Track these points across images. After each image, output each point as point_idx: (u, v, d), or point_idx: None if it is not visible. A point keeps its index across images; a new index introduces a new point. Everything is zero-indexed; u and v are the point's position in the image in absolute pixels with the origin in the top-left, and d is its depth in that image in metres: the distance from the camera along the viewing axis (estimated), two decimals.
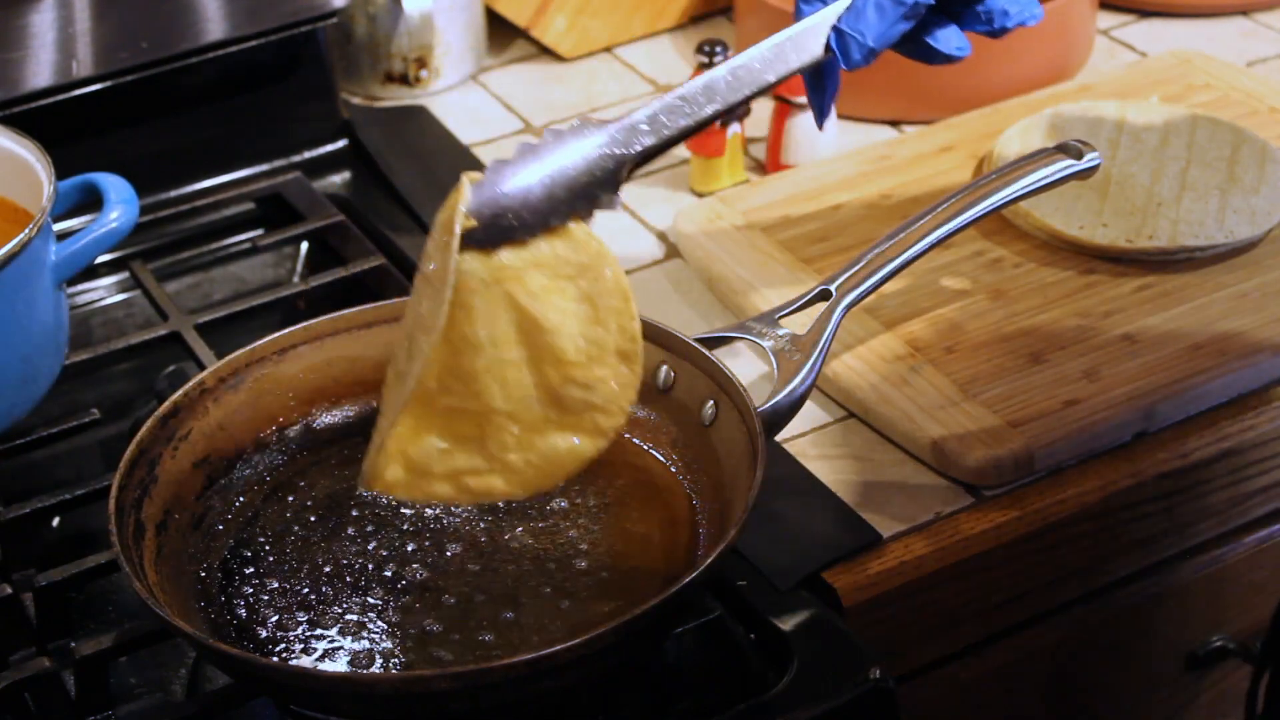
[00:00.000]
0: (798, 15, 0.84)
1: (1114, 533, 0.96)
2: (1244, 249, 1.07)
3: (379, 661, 0.79)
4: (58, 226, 0.98)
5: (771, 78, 0.83)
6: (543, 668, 0.72)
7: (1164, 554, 1.01)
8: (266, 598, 0.82)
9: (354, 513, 0.87)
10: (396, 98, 1.33)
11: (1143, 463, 0.95)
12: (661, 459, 0.89)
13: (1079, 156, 0.95)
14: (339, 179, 1.24)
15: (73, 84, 1.12)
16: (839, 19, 0.83)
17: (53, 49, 1.10)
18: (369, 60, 1.32)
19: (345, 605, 0.82)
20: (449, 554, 0.84)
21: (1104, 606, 1.01)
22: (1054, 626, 0.99)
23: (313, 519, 0.87)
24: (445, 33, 1.32)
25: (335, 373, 0.92)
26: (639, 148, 0.81)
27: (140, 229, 1.04)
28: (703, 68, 1.15)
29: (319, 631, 0.80)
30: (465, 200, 0.78)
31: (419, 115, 1.30)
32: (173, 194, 1.19)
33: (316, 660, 0.79)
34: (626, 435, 0.90)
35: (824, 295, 0.92)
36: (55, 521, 0.96)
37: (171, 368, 1.06)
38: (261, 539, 0.86)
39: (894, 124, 1.26)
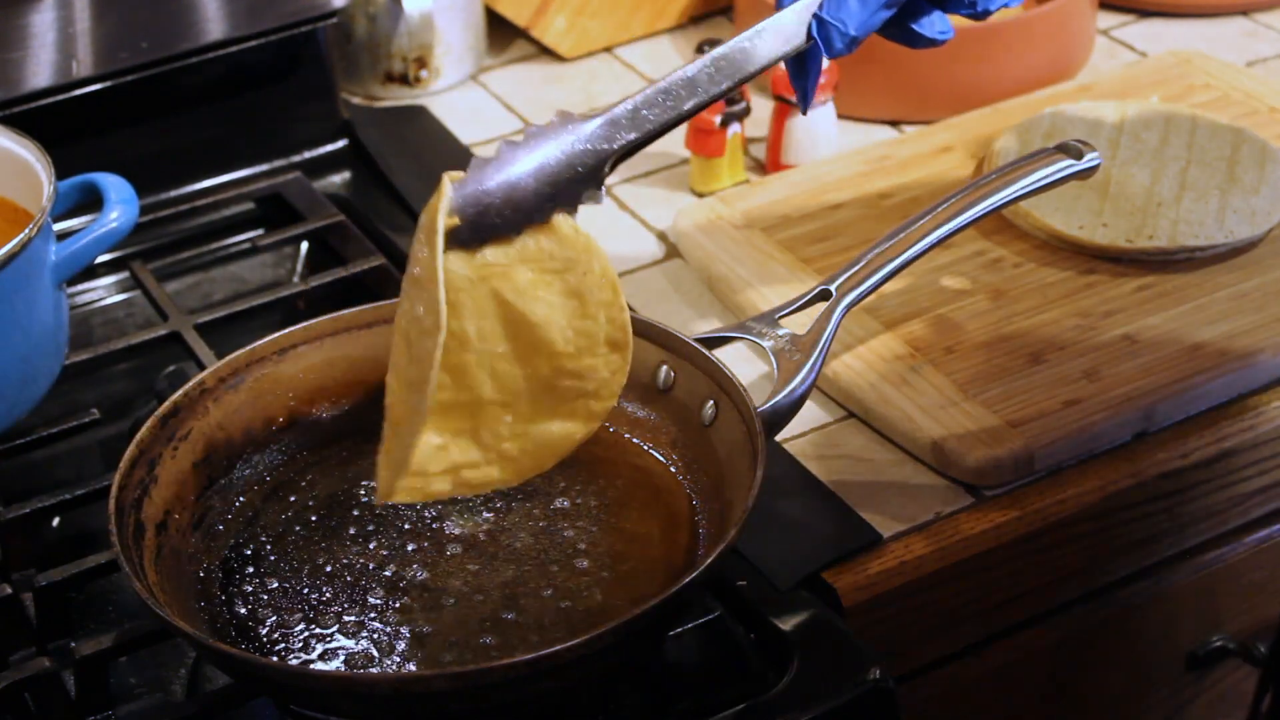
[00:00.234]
0: (779, 4, 0.84)
1: (1114, 533, 0.96)
2: (1244, 249, 1.07)
3: (379, 661, 0.78)
4: (58, 226, 0.98)
5: (753, 68, 0.82)
6: (543, 668, 0.72)
7: (1164, 554, 1.01)
8: (266, 597, 0.82)
9: (354, 513, 0.87)
10: (396, 98, 1.33)
11: (1143, 463, 0.95)
12: (661, 459, 0.89)
13: (1079, 156, 0.95)
14: (339, 179, 1.24)
15: (73, 84, 1.12)
16: (820, 7, 0.82)
17: (53, 49, 1.10)
18: (369, 60, 1.32)
19: (345, 605, 0.82)
20: (449, 554, 0.84)
21: (1104, 606, 1.01)
22: (1054, 626, 0.99)
23: (313, 519, 0.87)
24: (445, 33, 1.32)
25: (335, 373, 0.92)
26: (621, 142, 0.80)
27: (140, 229, 1.04)
28: None
29: (319, 631, 0.80)
30: (447, 200, 0.77)
31: (419, 115, 1.30)
32: (173, 194, 1.19)
33: (316, 660, 0.79)
34: (626, 435, 0.90)
35: (824, 295, 0.92)
36: (55, 521, 0.96)
37: (171, 368, 1.06)
38: (261, 539, 0.86)
39: (894, 124, 1.26)
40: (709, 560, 0.76)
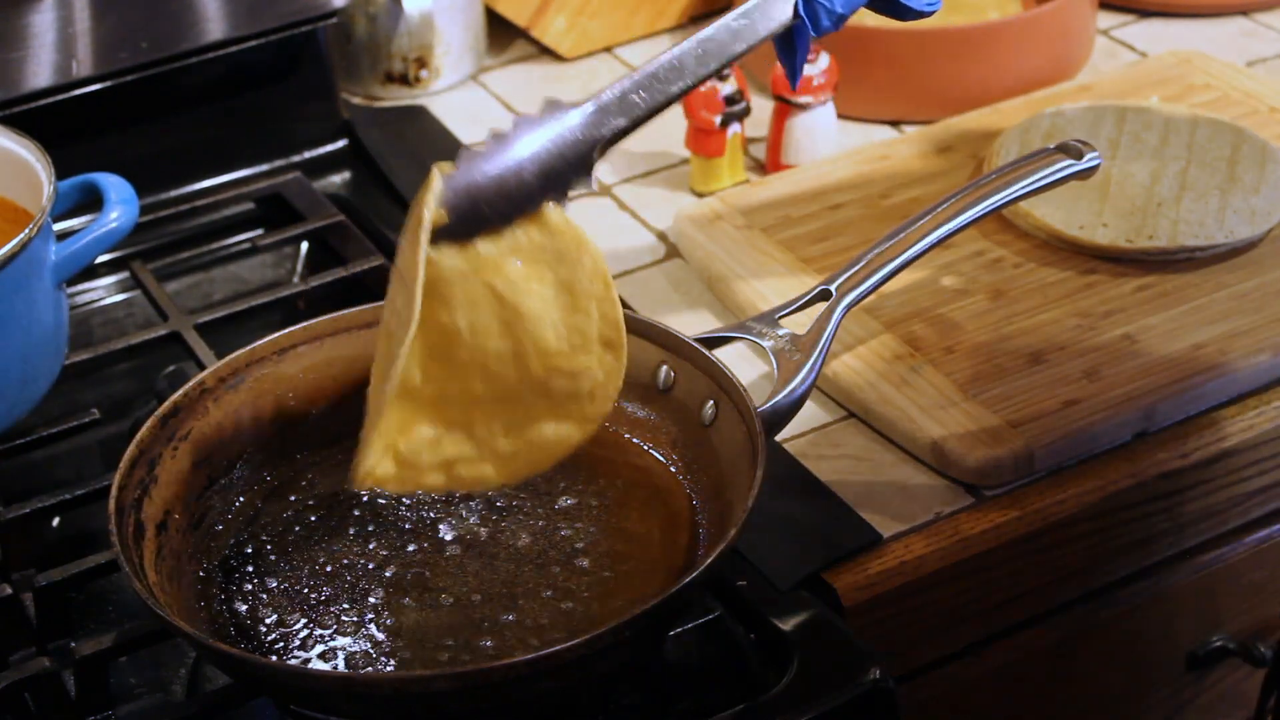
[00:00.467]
0: None
1: (1114, 533, 0.96)
2: (1244, 249, 1.07)
3: (379, 661, 0.78)
4: (58, 226, 0.98)
5: (741, 48, 0.82)
6: (543, 668, 0.72)
7: (1164, 554, 1.01)
8: (266, 598, 0.82)
9: (355, 513, 0.87)
10: (396, 98, 1.33)
11: (1143, 463, 0.95)
12: (661, 459, 0.89)
13: (1079, 156, 0.95)
14: (339, 179, 1.24)
15: (73, 84, 1.12)
16: None
17: (53, 49, 1.10)
18: (369, 60, 1.32)
19: (345, 605, 0.82)
20: (449, 554, 0.84)
21: (1104, 606, 1.01)
22: (1054, 626, 0.99)
23: (313, 519, 0.87)
24: (445, 33, 1.32)
25: (335, 373, 0.92)
26: (610, 129, 0.80)
27: (140, 229, 1.04)
28: None
29: (319, 631, 0.80)
30: (435, 193, 0.77)
31: (419, 115, 1.30)
32: (173, 194, 1.19)
33: (316, 660, 0.79)
34: (626, 435, 0.90)
35: (824, 295, 0.92)
36: (55, 521, 0.96)
37: (171, 368, 1.06)
38: (261, 539, 0.86)
39: (894, 124, 1.26)
40: (709, 560, 0.76)
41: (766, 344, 0.89)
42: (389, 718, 0.76)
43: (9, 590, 0.86)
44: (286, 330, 0.91)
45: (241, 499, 0.88)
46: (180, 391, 0.87)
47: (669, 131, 1.22)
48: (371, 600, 0.82)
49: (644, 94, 0.80)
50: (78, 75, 1.12)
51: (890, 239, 0.93)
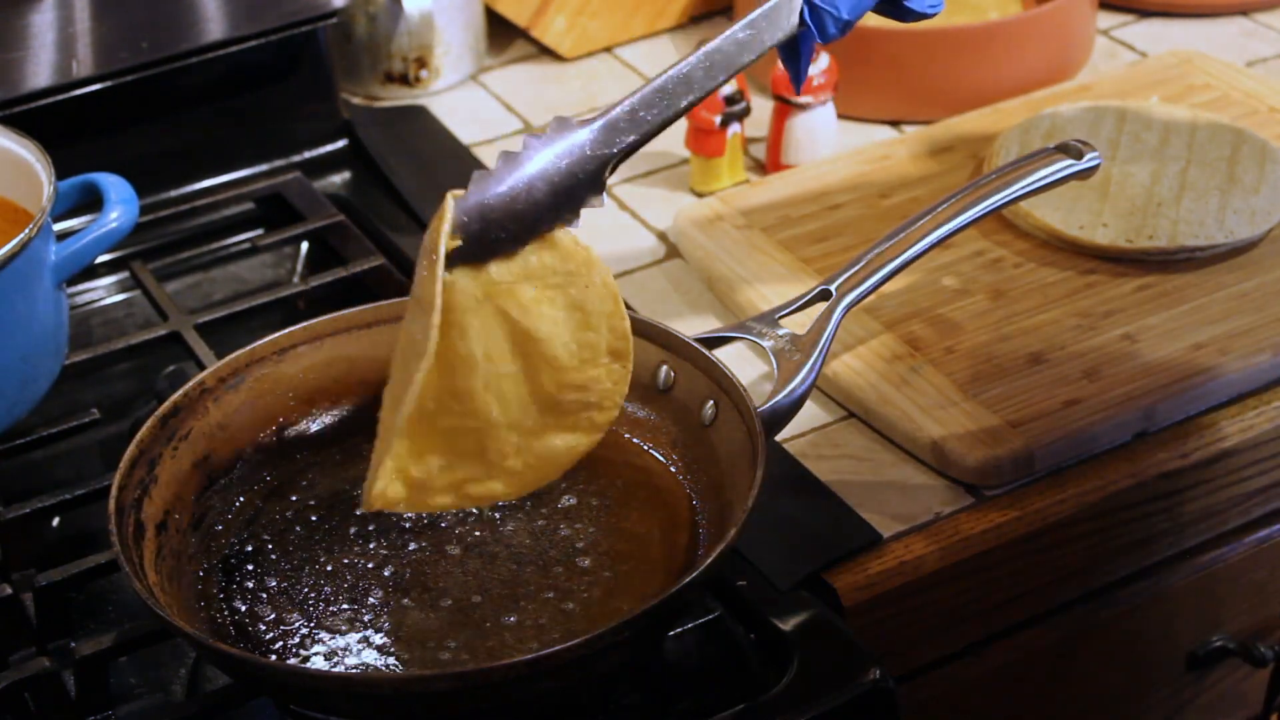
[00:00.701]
0: None
1: (1114, 533, 0.96)
2: (1244, 249, 1.07)
3: (379, 662, 0.78)
4: (58, 226, 0.98)
5: (748, 59, 0.82)
6: (543, 668, 0.72)
7: (1164, 554, 1.01)
8: (266, 598, 0.82)
9: (354, 513, 0.87)
10: (396, 98, 1.33)
11: (1143, 463, 0.95)
12: (661, 459, 0.89)
13: (1079, 156, 0.95)
14: (339, 179, 1.24)
15: (73, 84, 1.12)
16: None
17: (53, 49, 1.10)
18: (369, 60, 1.32)
19: (346, 605, 0.82)
20: (449, 554, 0.84)
21: (1104, 606, 1.01)
22: (1054, 626, 0.99)
23: (313, 519, 0.87)
24: (445, 33, 1.32)
25: (335, 373, 0.92)
26: (620, 146, 0.80)
27: (140, 229, 1.04)
28: None
29: (319, 631, 0.80)
30: (449, 221, 0.77)
31: (419, 115, 1.30)
32: (173, 194, 1.19)
33: (316, 660, 0.79)
34: (626, 435, 0.90)
35: (824, 295, 0.92)
36: (55, 521, 0.96)
37: (171, 368, 1.06)
38: (261, 539, 0.86)
39: (894, 124, 1.26)
40: (709, 560, 0.76)
41: (766, 344, 0.89)
42: (389, 718, 0.76)
43: (9, 590, 0.86)
44: (286, 330, 0.91)
45: (241, 499, 0.88)
46: (180, 391, 0.87)
47: (669, 131, 1.21)
48: (371, 600, 0.82)
49: (653, 109, 0.81)
50: (78, 75, 1.12)
51: (890, 239, 0.93)
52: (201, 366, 0.99)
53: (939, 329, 1.01)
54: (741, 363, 1.00)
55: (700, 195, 1.19)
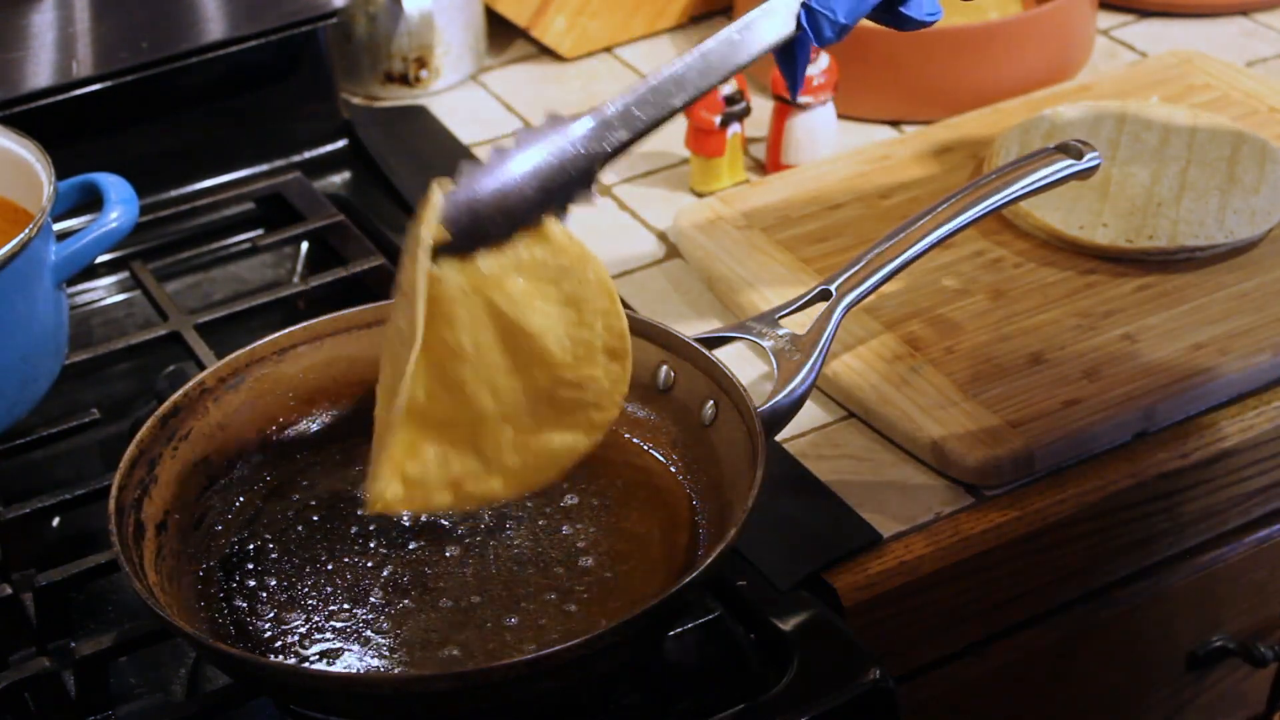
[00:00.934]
0: None
1: (1114, 533, 0.96)
2: (1244, 249, 1.07)
3: (379, 662, 0.78)
4: (58, 226, 0.98)
5: (742, 60, 0.81)
6: (543, 668, 0.72)
7: (1164, 554, 1.01)
8: (266, 597, 0.82)
9: (355, 513, 0.87)
10: (396, 98, 1.33)
11: (1143, 463, 0.95)
12: (661, 459, 0.89)
13: (1079, 156, 0.95)
14: (339, 179, 1.24)
15: (73, 84, 1.12)
16: None
17: (53, 49, 1.10)
18: (369, 60, 1.32)
19: (346, 605, 0.82)
20: (449, 555, 0.84)
21: (1104, 606, 1.01)
22: (1054, 626, 0.99)
23: (313, 519, 0.87)
24: (445, 33, 1.32)
25: (335, 373, 0.92)
26: (612, 144, 0.80)
27: (140, 229, 1.04)
28: None
29: (319, 632, 0.80)
30: (436, 210, 0.77)
31: (419, 115, 1.30)
32: (173, 194, 1.19)
33: (317, 660, 0.79)
34: (626, 435, 0.90)
35: (824, 295, 0.92)
36: (55, 521, 0.96)
37: (171, 368, 1.06)
38: (261, 539, 0.86)
39: (894, 124, 1.26)
40: (709, 560, 0.76)
41: (766, 344, 0.89)
42: (389, 718, 0.76)
43: (9, 590, 0.86)
44: (286, 330, 0.91)
45: (241, 499, 0.88)
46: (180, 391, 0.87)
47: (669, 131, 1.21)
48: (372, 600, 0.82)
49: (646, 107, 0.80)
50: (78, 75, 1.11)
51: (890, 239, 0.93)
52: (201, 366, 0.99)
53: (939, 329, 1.01)
54: (741, 363, 1.00)
55: (700, 195, 1.19)
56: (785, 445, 0.96)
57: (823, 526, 0.90)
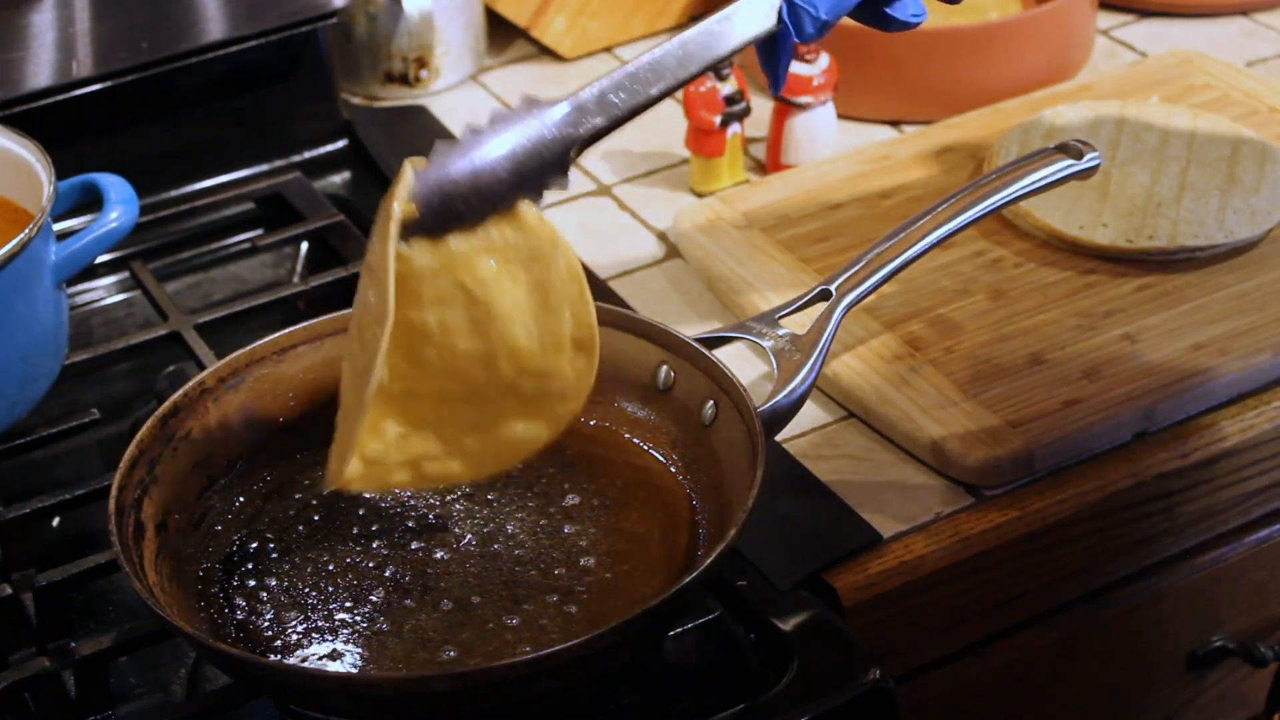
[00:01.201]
0: None
1: (1114, 533, 0.96)
2: (1244, 249, 1.07)
3: (379, 662, 0.78)
4: (58, 226, 0.98)
5: (722, 51, 0.81)
6: (543, 668, 0.72)
7: (1164, 554, 1.01)
8: (267, 597, 0.82)
9: (356, 513, 0.87)
10: (396, 98, 1.33)
11: (1143, 463, 0.95)
12: (661, 459, 0.89)
13: (1079, 156, 0.95)
14: (339, 179, 1.24)
15: (73, 84, 1.12)
16: None
17: (53, 49, 1.10)
18: (369, 60, 1.32)
19: (346, 605, 0.82)
20: (449, 555, 0.84)
21: (1104, 606, 1.01)
22: (1054, 626, 0.99)
23: (314, 518, 0.87)
24: (445, 33, 1.32)
25: (335, 373, 0.91)
26: (587, 129, 0.79)
27: (140, 229, 1.04)
28: None
29: (319, 632, 0.80)
30: (406, 187, 0.77)
31: (419, 115, 1.30)
32: (173, 194, 1.19)
33: (317, 660, 0.79)
34: (626, 435, 0.90)
35: (824, 295, 0.92)
36: (55, 521, 0.96)
37: (171, 368, 1.06)
38: (262, 539, 0.86)
39: (894, 124, 1.26)
40: (709, 560, 0.76)
41: (766, 344, 0.89)
42: (389, 718, 0.76)
43: (9, 590, 0.86)
44: (286, 330, 0.91)
45: (241, 499, 0.88)
46: (180, 391, 0.87)
47: (669, 131, 1.22)
48: (372, 600, 0.82)
49: (623, 94, 0.79)
50: (78, 75, 1.12)
51: (890, 239, 0.93)
52: (201, 366, 0.99)
53: (939, 329, 1.01)
54: (741, 363, 1.00)
55: (700, 195, 1.19)
56: (785, 445, 0.96)
57: (823, 526, 0.90)
